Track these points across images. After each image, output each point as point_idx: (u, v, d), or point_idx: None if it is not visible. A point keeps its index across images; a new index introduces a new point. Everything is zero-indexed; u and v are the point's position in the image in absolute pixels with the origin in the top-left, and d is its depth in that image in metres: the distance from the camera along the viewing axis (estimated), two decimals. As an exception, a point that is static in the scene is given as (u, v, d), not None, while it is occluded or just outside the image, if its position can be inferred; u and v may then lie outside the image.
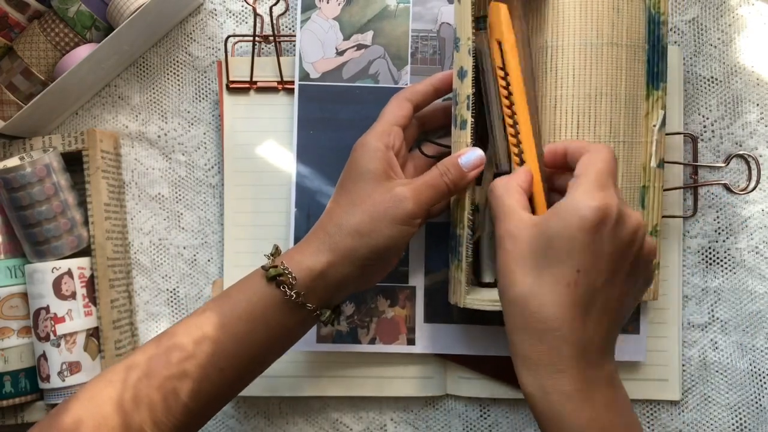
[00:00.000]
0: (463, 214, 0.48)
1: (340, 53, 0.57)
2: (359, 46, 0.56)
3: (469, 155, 0.47)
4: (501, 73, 0.46)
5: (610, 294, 0.39)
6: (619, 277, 0.39)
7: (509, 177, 0.44)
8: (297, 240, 0.55)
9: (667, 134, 0.55)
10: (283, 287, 0.44)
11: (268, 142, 0.58)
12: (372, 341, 0.56)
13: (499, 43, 0.46)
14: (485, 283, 0.51)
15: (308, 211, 0.56)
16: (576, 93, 0.48)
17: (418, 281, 0.56)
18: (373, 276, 0.48)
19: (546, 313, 0.38)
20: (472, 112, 0.46)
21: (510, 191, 0.43)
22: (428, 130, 0.54)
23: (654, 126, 0.50)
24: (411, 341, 0.56)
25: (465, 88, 0.47)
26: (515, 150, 0.46)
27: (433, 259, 0.55)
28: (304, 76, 0.57)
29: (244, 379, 0.47)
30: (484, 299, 0.48)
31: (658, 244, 0.50)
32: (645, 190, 0.50)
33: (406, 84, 0.56)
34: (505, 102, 0.46)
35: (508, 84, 0.46)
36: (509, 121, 0.46)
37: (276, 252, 0.48)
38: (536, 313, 0.39)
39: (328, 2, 0.57)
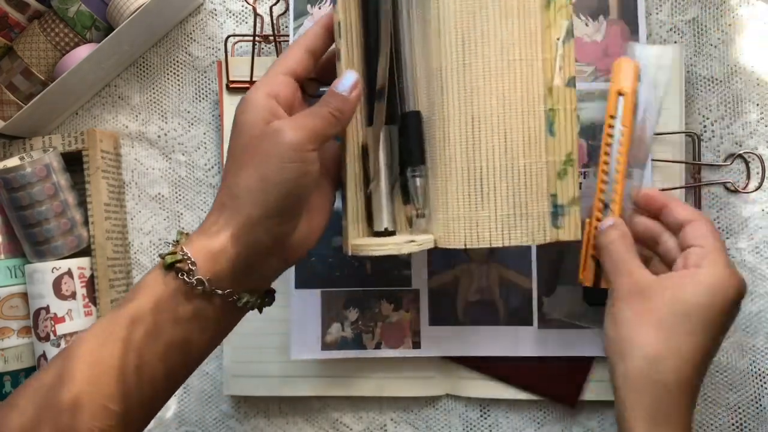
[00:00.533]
0: (347, 157, 0.45)
1: None
2: None
3: (344, 80, 0.43)
4: (611, 121, 0.48)
5: (710, 362, 0.43)
6: (721, 340, 0.43)
7: (620, 227, 0.46)
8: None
9: (667, 133, 0.55)
10: (182, 275, 0.39)
11: (268, 142, 0.58)
12: (377, 346, 0.56)
13: (620, 95, 0.48)
14: (379, 232, 0.47)
15: None
16: (459, 8, 0.44)
17: (421, 284, 0.55)
18: (290, 241, 0.42)
19: (681, 375, 0.40)
20: (346, 42, 0.44)
21: (628, 244, 0.45)
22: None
23: (558, 39, 0.45)
24: (416, 344, 0.56)
25: (337, 15, 0.44)
26: (602, 196, 0.48)
27: (435, 261, 0.55)
28: None
29: (170, 380, 0.42)
30: (372, 244, 0.44)
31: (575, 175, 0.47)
32: (553, 114, 0.45)
33: None
34: (606, 149, 0.48)
35: (611, 135, 0.48)
36: (604, 168, 0.48)
37: (180, 238, 0.42)
38: (670, 371, 0.40)
39: (320, 8, 0.57)
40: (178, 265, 0.39)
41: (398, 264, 0.55)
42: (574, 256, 0.50)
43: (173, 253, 0.40)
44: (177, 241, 0.42)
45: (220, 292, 0.40)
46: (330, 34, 0.45)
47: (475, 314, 0.55)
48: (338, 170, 0.46)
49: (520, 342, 0.54)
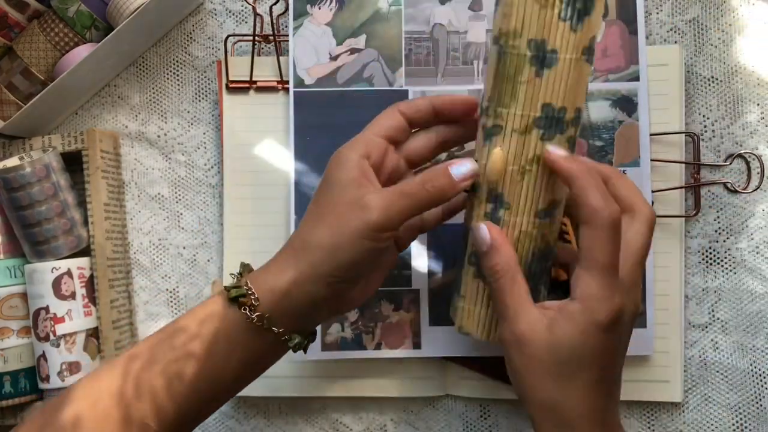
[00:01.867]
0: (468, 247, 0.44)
1: (333, 58, 0.56)
2: (353, 51, 0.56)
3: (461, 166, 0.42)
4: None
5: (620, 373, 0.43)
6: (623, 355, 0.42)
7: (501, 253, 0.41)
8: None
9: (667, 133, 0.55)
10: (245, 309, 0.41)
11: (267, 142, 0.58)
12: (377, 347, 0.56)
13: None
14: None
15: None
16: None
17: (421, 284, 0.55)
18: (346, 297, 0.45)
19: (580, 411, 0.40)
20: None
21: (515, 276, 0.41)
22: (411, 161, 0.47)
23: None
24: (417, 345, 0.55)
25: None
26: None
27: (435, 261, 0.55)
28: (299, 82, 0.57)
29: (211, 403, 0.44)
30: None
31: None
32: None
33: (401, 86, 0.56)
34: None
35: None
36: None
37: (244, 270, 0.44)
38: (567, 411, 0.40)
39: (320, 8, 0.56)
40: (242, 299, 0.41)
41: (398, 264, 0.55)
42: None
43: (238, 286, 0.42)
44: (240, 273, 0.44)
45: (275, 330, 0.42)
46: (437, 116, 0.46)
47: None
48: (409, 235, 0.48)
49: None
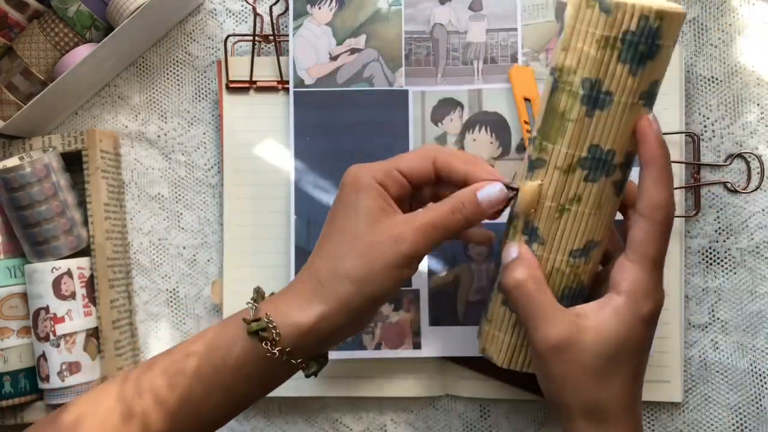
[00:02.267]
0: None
1: (333, 58, 0.56)
2: (353, 50, 0.56)
3: (489, 189, 0.41)
4: (528, 126, 0.47)
5: (647, 363, 0.43)
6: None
7: (526, 265, 0.41)
8: (298, 248, 0.55)
9: (667, 134, 0.55)
10: (266, 344, 0.40)
11: (267, 142, 0.58)
12: (377, 347, 0.55)
13: (526, 100, 0.47)
14: None
15: (308, 218, 0.56)
16: None
17: (421, 284, 0.55)
18: (365, 322, 0.45)
19: (620, 405, 0.40)
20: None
21: (540, 284, 0.40)
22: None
23: None
24: (417, 345, 0.55)
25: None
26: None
27: (435, 261, 0.55)
28: (299, 82, 0.57)
29: (218, 420, 0.43)
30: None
31: None
32: None
33: (401, 86, 0.56)
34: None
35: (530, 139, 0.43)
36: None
37: (258, 296, 0.43)
38: (611, 407, 0.40)
39: (320, 8, 0.56)
40: (263, 333, 0.40)
41: None
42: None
43: (258, 319, 0.40)
44: (255, 300, 0.42)
45: (294, 362, 0.41)
46: (467, 178, 0.43)
47: (475, 314, 0.55)
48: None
49: None
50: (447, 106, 0.56)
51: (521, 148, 0.55)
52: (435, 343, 0.55)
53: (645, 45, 0.37)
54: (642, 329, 0.40)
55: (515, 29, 0.56)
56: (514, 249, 0.42)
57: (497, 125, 0.55)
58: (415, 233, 0.40)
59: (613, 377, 0.40)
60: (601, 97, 0.39)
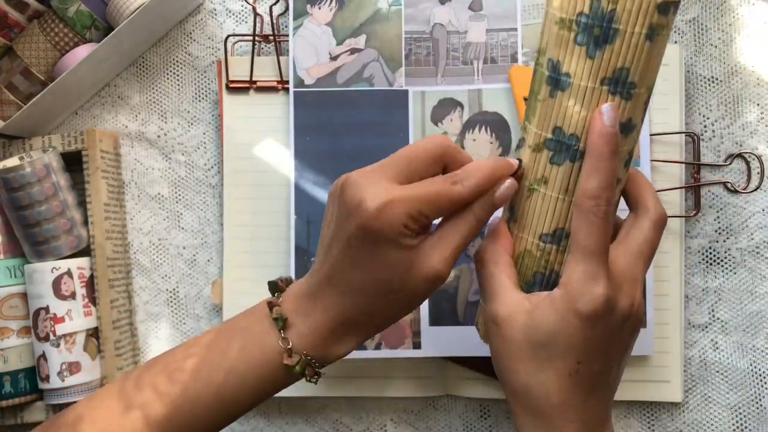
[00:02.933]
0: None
1: (333, 58, 0.56)
2: (353, 50, 0.56)
3: (504, 188, 0.40)
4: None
5: (607, 373, 0.40)
6: (615, 356, 0.41)
7: (495, 243, 0.42)
8: (298, 248, 0.55)
9: (667, 134, 0.55)
10: (308, 378, 0.42)
11: (267, 142, 0.58)
12: (377, 347, 0.55)
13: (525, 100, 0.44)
14: None
15: (308, 218, 0.56)
16: None
17: None
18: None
19: (552, 401, 0.39)
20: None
21: (500, 263, 0.41)
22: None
23: None
24: (417, 345, 0.55)
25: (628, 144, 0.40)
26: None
27: None
28: (299, 82, 0.57)
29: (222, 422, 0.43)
30: None
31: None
32: None
33: (401, 86, 0.56)
34: None
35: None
36: None
37: (282, 325, 0.41)
38: (540, 399, 0.39)
39: (320, 8, 0.56)
40: (297, 367, 0.41)
41: None
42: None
43: (298, 359, 0.41)
44: (281, 329, 0.41)
45: (309, 379, 0.42)
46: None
47: (475, 314, 0.55)
48: None
49: None
50: (447, 106, 0.56)
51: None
52: (435, 343, 0.55)
53: (599, 28, 0.37)
54: (578, 324, 0.38)
55: (515, 29, 0.56)
56: (494, 220, 0.43)
57: (497, 125, 0.55)
58: (448, 264, 0.40)
59: (542, 367, 0.39)
60: (562, 79, 0.39)
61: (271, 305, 0.42)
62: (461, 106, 0.56)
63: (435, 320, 0.55)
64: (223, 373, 0.41)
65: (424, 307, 0.55)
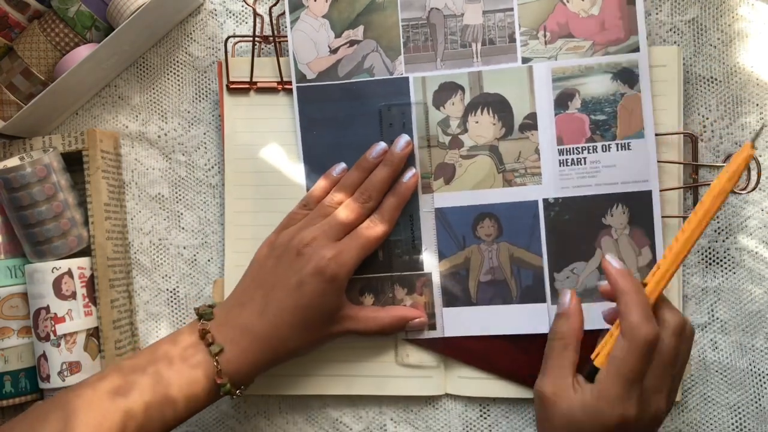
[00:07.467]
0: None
1: (333, 51, 0.57)
2: (351, 42, 0.57)
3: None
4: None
5: None
6: None
7: (569, 335, 0.48)
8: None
9: (666, 134, 0.55)
10: (233, 397, 0.50)
11: (268, 143, 0.58)
12: None
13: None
14: None
15: None
16: None
17: (432, 267, 0.56)
18: None
19: None
20: None
21: (567, 351, 0.47)
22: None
23: None
24: (432, 326, 0.56)
25: None
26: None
27: (444, 244, 0.56)
28: (301, 77, 0.57)
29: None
30: None
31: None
32: None
33: (402, 74, 0.56)
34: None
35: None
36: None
37: (217, 351, 0.49)
38: None
39: (315, 0, 0.57)
40: (234, 391, 0.50)
41: (409, 249, 0.56)
42: (582, 231, 0.53)
43: (227, 383, 0.49)
44: (216, 356, 0.49)
45: (235, 394, 0.50)
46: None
47: (488, 294, 0.55)
48: None
49: (535, 319, 0.55)
50: (448, 89, 0.56)
51: (524, 127, 0.55)
52: (450, 323, 0.56)
53: None
54: (607, 427, 0.44)
55: (511, 9, 0.56)
56: (567, 297, 0.49)
57: (499, 106, 0.55)
58: (360, 321, 0.53)
59: None
60: None
61: (203, 332, 0.50)
62: (462, 89, 0.56)
63: (449, 302, 0.55)
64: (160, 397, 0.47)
65: (437, 290, 0.56)
